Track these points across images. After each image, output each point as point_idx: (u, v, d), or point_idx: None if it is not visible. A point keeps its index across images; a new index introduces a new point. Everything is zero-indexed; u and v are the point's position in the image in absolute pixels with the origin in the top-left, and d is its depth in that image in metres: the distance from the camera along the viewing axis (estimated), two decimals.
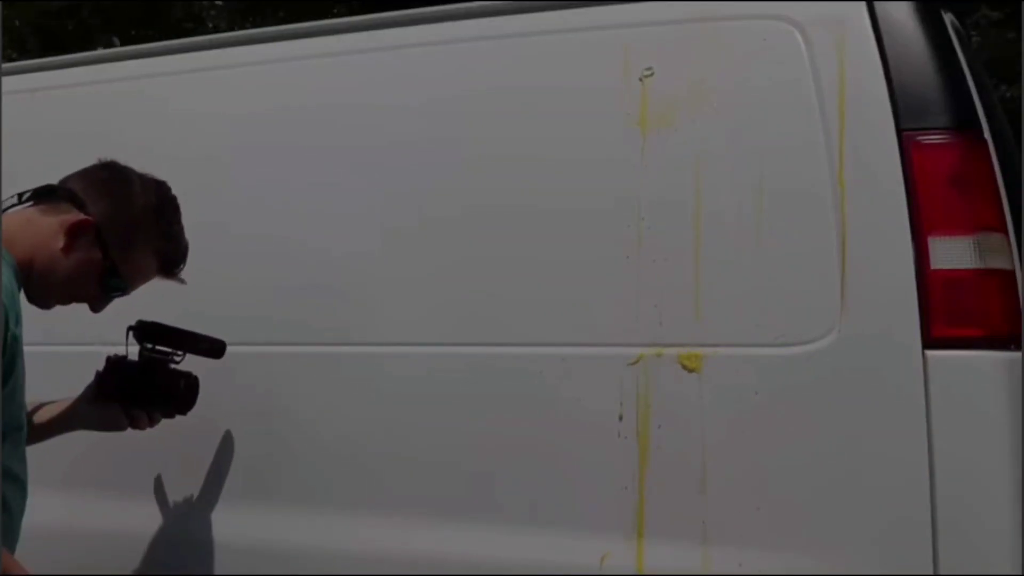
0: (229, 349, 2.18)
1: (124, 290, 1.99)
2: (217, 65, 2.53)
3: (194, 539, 2.29)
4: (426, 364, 2.16)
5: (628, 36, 2.11)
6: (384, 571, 2.09)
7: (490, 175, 2.17)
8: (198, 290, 2.14)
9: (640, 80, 2.08)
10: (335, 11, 7.80)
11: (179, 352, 2.17)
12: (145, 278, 2.02)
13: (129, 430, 2.16)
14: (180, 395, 2.17)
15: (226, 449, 2.30)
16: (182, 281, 2.08)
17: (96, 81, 2.66)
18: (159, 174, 2.06)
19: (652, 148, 2.05)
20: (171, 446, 2.27)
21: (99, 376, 2.14)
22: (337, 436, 2.22)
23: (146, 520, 2.32)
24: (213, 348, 2.17)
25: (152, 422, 2.17)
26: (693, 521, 1.93)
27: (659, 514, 1.96)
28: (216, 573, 2.25)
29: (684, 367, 1.96)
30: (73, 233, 1.90)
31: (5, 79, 2.48)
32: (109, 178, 1.98)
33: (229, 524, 2.27)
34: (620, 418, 1.99)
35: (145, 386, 2.14)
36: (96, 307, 2.01)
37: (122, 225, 1.94)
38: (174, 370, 2.17)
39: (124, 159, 2.04)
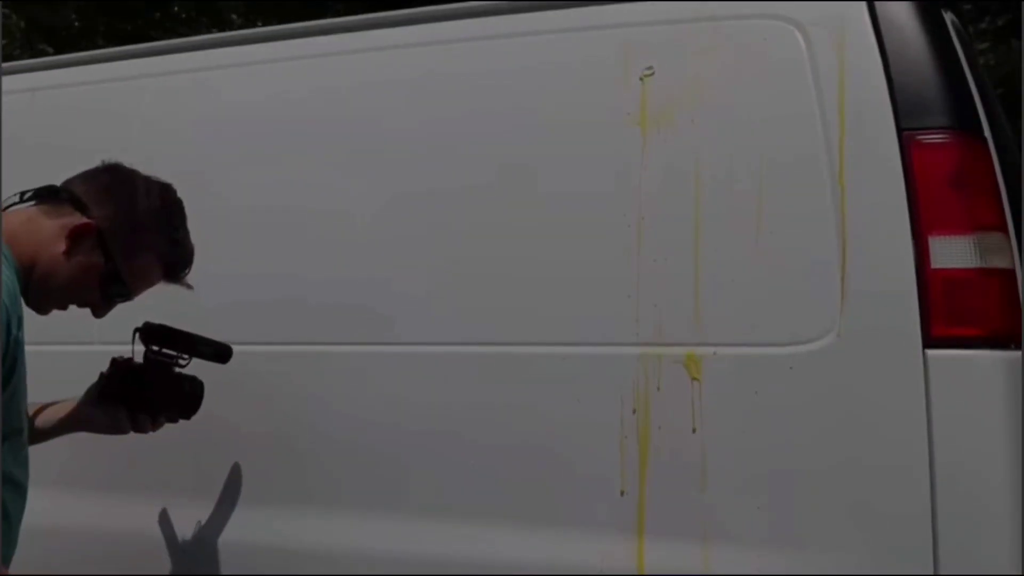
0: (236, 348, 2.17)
1: (127, 296, 1.96)
2: (212, 65, 2.54)
3: (194, 539, 2.29)
4: (427, 364, 2.16)
5: (628, 35, 2.11)
6: (386, 571, 2.10)
7: (491, 175, 2.17)
8: (201, 288, 2.13)
9: (640, 79, 2.08)
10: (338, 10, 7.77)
11: (184, 356, 2.14)
12: (149, 283, 1.99)
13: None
14: (184, 399, 2.15)
15: (232, 449, 2.30)
16: (188, 286, 2.04)
17: (89, 81, 2.66)
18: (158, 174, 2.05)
19: (652, 147, 2.05)
20: (175, 445, 2.26)
21: (103, 378, 2.12)
22: (341, 435, 2.22)
23: (148, 520, 2.32)
24: (219, 352, 2.15)
25: (156, 426, 2.15)
26: (694, 521, 1.94)
27: (660, 514, 1.96)
28: (218, 573, 2.25)
29: (684, 367, 1.96)
30: (75, 237, 1.86)
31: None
32: (112, 181, 1.94)
33: (234, 525, 2.27)
34: (620, 418, 1.99)
35: (149, 390, 2.12)
36: (98, 313, 1.97)
37: (125, 230, 1.90)
38: (179, 374, 2.15)
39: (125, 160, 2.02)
